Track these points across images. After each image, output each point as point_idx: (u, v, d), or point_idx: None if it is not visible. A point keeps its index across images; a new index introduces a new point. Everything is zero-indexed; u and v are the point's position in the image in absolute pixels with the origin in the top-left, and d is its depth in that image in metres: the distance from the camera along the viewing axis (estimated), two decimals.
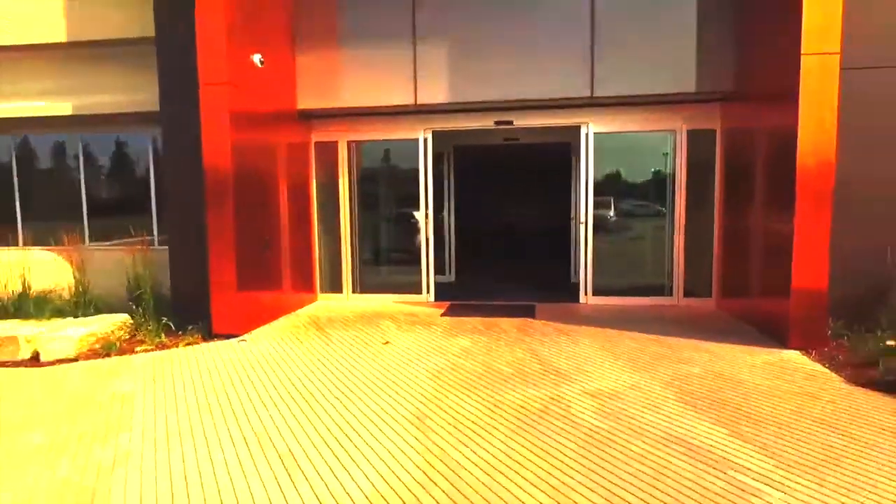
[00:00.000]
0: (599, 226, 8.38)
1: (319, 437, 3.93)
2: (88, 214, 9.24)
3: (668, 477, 3.28)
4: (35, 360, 6.14)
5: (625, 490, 3.14)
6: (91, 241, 9.20)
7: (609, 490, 3.14)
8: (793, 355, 5.64)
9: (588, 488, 3.17)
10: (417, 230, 8.97)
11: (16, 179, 9.45)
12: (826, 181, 5.68)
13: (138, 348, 6.43)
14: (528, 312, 7.81)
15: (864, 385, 4.79)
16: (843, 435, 3.82)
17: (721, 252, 7.87)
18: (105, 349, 6.37)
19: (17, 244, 9.36)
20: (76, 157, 9.22)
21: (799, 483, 3.20)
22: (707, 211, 8.02)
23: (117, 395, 4.86)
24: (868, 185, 6.13)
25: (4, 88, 8.88)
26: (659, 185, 8.33)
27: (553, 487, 3.19)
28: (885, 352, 5.12)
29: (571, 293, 8.82)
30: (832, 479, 3.23)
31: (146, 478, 3.43)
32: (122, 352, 6.32)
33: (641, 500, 3.04)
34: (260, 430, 4.08)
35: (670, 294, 8.28)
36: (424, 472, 3.39)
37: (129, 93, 8.33)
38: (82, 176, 9.23)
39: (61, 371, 5.72)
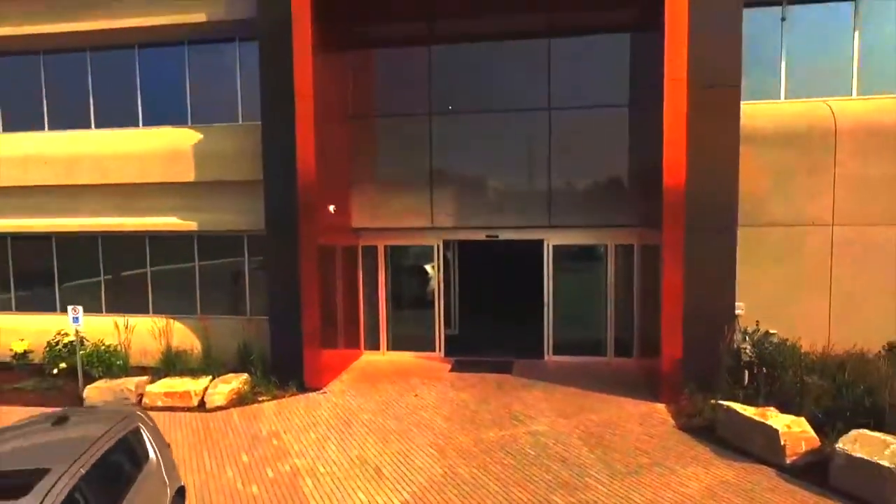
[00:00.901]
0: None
1: (390, 457, 7.81)
2: (200, 291, 13.11)
3: (549, 473, 7.13)
4: (202, 407, 10.05)
5: (531, 477, 6.99)
6: (202, 311, 13.05)
7: (520, 476, 6.99)
8: (658, 407, 9.48)
9: (515, 476, 7.02)
10: (433, 303, 12.83)
11: (148, 264, 13.32)
12: (678, 288, 9.49)
13: (260, 398, 10.33)
14: (508, 369, 11.68)
15: (686, 430, 8.61)
16: (650, 457, 7.66)
17: (638, 327, 11.70)
18: (240, 399, 10.26)
19: (148, 312, 13.23)
20: (192, 251, 13.06)
21: (611, 479, 7.04)
22: (629, 297, 11.85)
23: (272, 432, 8.78)
24: (707, 295, 9.83)
25: (147, 205, 12.78)
26: (597, 278, 12.18)
27: (497, 476, 7.05)
28: (705, 406, 8.93)
29: (540, 349, 12.56)
30: (631, 479, 7.07)
31: (317, 481, 7.32)
32: (251, 402, 10.21)
33: (537, 478, 6.90)
34: (358, 452, 7.97)
35: (605, 354, 12.13)
36: (442, 469, 7.26)
37: (237, 214, 12.20)
38: (196, 263, 13.10)
39: (225, 415, 9.64)
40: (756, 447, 7.55)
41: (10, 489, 4.11)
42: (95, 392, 10.39)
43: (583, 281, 12.47)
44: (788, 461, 7.19)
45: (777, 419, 7.56)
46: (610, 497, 6.72)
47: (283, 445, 8.38)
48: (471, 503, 6.66)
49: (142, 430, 5.60)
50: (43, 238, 13.46)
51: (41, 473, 4.29)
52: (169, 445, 6.13)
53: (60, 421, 5.30)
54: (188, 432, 9.00)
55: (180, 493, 5.87)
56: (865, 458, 6.42)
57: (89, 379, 11.06)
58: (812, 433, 7.38)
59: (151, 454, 5.56)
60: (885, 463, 6.24)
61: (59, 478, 4.26)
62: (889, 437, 6.81)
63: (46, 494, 4.06)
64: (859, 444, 6.73)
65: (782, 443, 7.21)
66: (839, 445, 6.79)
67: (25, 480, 4.19)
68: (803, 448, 7.25)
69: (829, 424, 7.71)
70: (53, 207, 13.14)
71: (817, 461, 7.12)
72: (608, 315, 12.15)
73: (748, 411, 7.87)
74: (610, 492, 6.83)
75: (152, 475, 5.40)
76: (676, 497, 6.68)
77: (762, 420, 7.55)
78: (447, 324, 13.55)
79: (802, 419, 7.63)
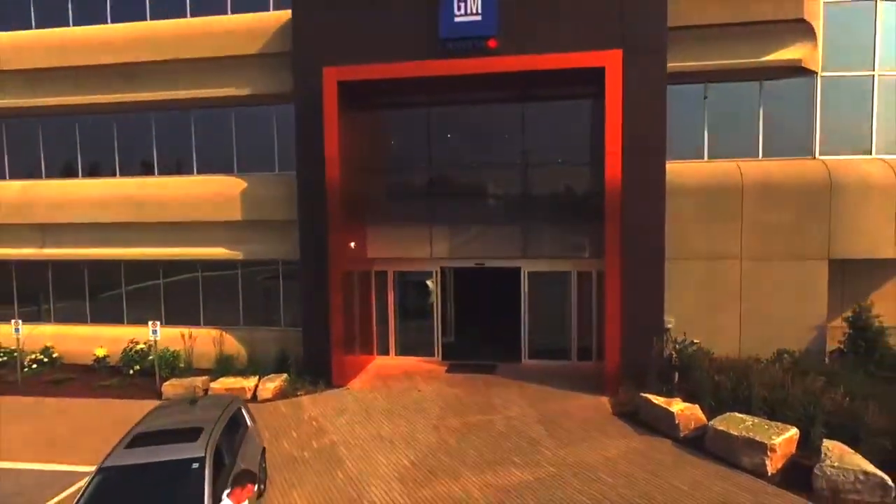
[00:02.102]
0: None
1: (400, 434, 10.81)
2: (243, 306, 16.13)
3: (513, 443, 10.13)
4: (254, 399, 13.04)
5: (500, 445, 9.99)
6: (244, 323, 16.07)
7: (492, 445, 9.99)
8: (603, 399, 12.45)
9: (488, 445, 10.02)
10: (433, 316, 15.83)
11: (201, 289, 16.34)
12: (617, 305, 12.48)
13: (298, 392, 13.34)
14: (492, 370, 14.68)
15: (618, 415, 11.58)
16: (587, 433, 10.65)
17: (596, 336, 14.69)
18: (283, 394, 13.27)
19: (200, 324, 16.24)
20: (236, 274, 16.10)
21: (556, 447, 10.03)
22: (589, 312, 14.85)
23: (311, 417, 11.79)
24: (641, 312, 12.79)
25: (200, 238, 15.79)
26: (564, 298, 15.19)
27: (476, 446, 10.05)
28: (635, 398, 11.89)
29: (518, 354, 15.53)
30: (570, 447, 10.06)
31: (348, 448, 10.32)
32: (291, 395, 13.20)
33: (504, 446, 9.89)
34: (377, 430, 10.97)
35: (570, 358, 15.13)
36: (437, 441, 10.26)
37: (274, 246, 15.25)
38: (240, 284, 16.13)
39: (273, 405, 12.65)
40: (662, 426, 10.54)
41: (185, 437, 7.13)
42: (171, 388, 13.43)
43: (552, 299, 15.45)
44: (682, 435, 10.19)
45: (677, 406, 10.55)
46: (553, 456, 9.74)
47: (321, 426, 11.39)
48: (455, 462, 9.68)
49: (242, 409, 8.61)
50: (113, 263, 16.49)
51: (199, 430, 7.31)
52: (255, 420, 9.14)
53: (193, 402, 8.37)
54: None
55: (263, 452, 8.88)
56: (724, 430, 9.44)
57: (160, 378, 14.06)
58: (700, 415, 10.37)
59: (249, 423, 8.58)
60: (734, 432, 9.25)
61: (211, 433, 7.28)
62: (748, 417, 9.83)
63: (208, 440, 7.09)
64: (727, 421, 9.74)
65: (677, 422, 10.21)
66: (712, 423, 9.79)
67: (192, 433, 7.22)
68: (693, 426, 10.24)
69: (720, 409, 10.69)
70: (123, 239, 16.17)
71: (701, 434, 10.10)
72: (572, 327, 15.15)
73: (658, 400, 10.86)
74: (553, 454, 9.85)
75: (252, 436, 8.42)
76: (599, 457, 9.69)
77: (666, 406, 10.55)
78: (444, 333, 16.53)
79: (696, 405, 10.62)
